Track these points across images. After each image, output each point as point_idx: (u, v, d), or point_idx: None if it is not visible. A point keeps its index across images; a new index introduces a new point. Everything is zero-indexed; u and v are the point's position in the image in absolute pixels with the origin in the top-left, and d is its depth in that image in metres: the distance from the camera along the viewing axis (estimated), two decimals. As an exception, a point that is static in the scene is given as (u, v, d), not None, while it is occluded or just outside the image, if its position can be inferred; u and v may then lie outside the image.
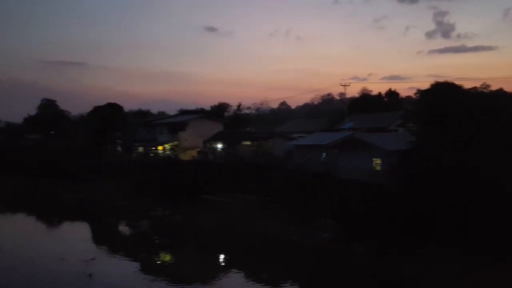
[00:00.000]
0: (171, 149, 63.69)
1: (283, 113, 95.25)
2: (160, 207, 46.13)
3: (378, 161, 35.00)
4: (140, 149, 69.05)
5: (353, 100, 73.81)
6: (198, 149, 60.31)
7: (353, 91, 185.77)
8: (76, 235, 41.02)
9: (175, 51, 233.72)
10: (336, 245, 30.68)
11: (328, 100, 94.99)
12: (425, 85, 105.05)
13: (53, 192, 61.38)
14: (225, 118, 75.15)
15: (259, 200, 40.57)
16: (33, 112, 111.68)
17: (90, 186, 60.47)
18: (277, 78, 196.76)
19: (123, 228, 42.25)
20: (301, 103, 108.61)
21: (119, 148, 74.89)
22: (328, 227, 33.08)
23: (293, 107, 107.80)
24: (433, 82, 35.99)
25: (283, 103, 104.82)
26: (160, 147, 65.46)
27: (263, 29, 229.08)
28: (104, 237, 39.71)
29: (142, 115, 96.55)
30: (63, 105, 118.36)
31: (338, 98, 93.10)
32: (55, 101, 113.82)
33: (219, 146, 59.24)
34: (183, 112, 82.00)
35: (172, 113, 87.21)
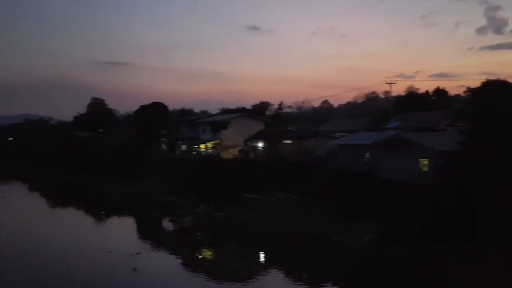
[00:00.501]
0: (213, 147, 64.53)
1: (325, 112, 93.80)
2: (202, 204, 46.87)
3: (425, 161, 33.72)
4: (183, 147, 70.45)
5: (399, 98, 71.44)
6: (240, 148, 60.68)
7: (399, 89, 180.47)
8: (122, 229, 42.55)
9: (217, 51, 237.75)
10: (379, 247, 29.92)
11: (372, 98, 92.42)
12: (475, 83, 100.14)
13: (101, 187, 64.00)
14: (266, 117, 75.16)
15: (301, 199, 40.25)
16: (83, 110, 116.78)
17: (135, 182, 62.53)
18: (320, 76, 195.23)
19: (167, 224, 43.27)
20: (344, 102, 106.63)
21: (164, 146, 76.86)
22: (371, 228, 32.27)
23: (335, 105, 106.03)
24: (484, 80, 34.17)
25: (325, 102, 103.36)
26: (202, 145, 66.48)
27: (306, 27, 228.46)
28: (149, 232, 40.86)
29: (185, 113, 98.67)
30: (111, 103, 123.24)
31: (383, 96, 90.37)
32: (104, 100, 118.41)
33: (260, 145, 59.32)
34: (225, 111, 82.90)
35: (214, 112, 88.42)
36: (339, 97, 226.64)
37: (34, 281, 25.65)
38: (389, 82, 58.29)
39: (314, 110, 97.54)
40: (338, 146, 44.61)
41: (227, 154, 59.20)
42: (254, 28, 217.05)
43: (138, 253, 30.99)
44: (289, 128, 68.33)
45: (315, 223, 35.49)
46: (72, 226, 43.50)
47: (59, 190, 70.61)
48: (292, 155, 49.84)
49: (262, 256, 33.06)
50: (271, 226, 38.38)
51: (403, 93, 76.25)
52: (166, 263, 30.42)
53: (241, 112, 75.33)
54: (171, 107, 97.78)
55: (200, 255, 33.36)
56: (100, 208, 52.67)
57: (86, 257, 30.65)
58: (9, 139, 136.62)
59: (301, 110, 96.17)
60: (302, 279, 26.84)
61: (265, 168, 47.77)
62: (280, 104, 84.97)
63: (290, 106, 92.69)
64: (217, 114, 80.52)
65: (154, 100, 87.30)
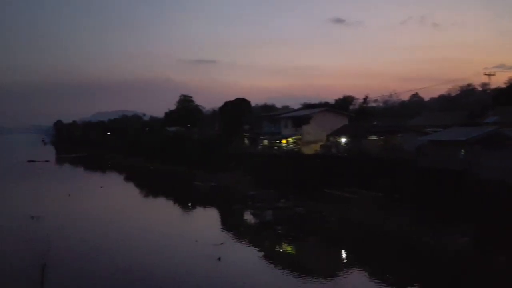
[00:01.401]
0: (294, 142, 64.35)
1: (415, 105, 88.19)
2: (283, 199, 47.01)
3: (530, 160, 30.24)
4: (265, 142, 71.25)
5: (499, 90, 65.13)
6: (321, 143, 59.77)
7: (498, 81, 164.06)
8: (207, 220, 44.26)
9: (301, 45, 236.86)
10: (474, 251, 27.50)
11: (467, 91, 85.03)
12: None
13: (188, 180, 67.33)
14: (350, 112, 73.09)
15: (386, 197, 38.47)
16: (173, 107, 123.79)
17: (220, 175, 64.73)
18: (409, 68, 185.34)
19: (248, 217, 44.10)
20: (435, 95, 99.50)
21: (246, 141, 78.50)
22: (466, 231, 29.76)
23: (426, 99, 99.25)
24: None
25: (415, 95, 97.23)
26: (284, 141, 66.62)
27: (395, 17, 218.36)
28: (231, 224, 41.95)
29: (267, 109, 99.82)
30: (198, 100, 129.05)
31: (480, 89, 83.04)
32: (191, 97, 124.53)
33: (343, 140, 57.85)
34: (306, 106, 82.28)
35: (296, 107, 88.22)
36: (431, 90, 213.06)
37: (130, 264, 27.60)
38: (487, 73, 53.41)
39: (403, 104, 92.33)
40: (429, 142, 41.89)
41: (308, 150, 58.65)
42: (339, 21, 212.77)
43: (222, 243, 31.94)
44: (375, 122, 65.76)
45: (401, 223, 33.70)
46: (162, 215, 46.25)
47: (151, 181, 75.68)
48: (377, 151, 47.86)
49: (343, 253, 32.22)
50: (353, 224, 37.26)
51: (503, 85, 69.41)
52: (248, 255, 30.94)
53: (324, 106, 74.17)
54: (253, 102, 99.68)
55: (281, 249, 33.45)
56: (187, 199, 55.34)
57: (175, 245, 32.37)
58: (107, 133, 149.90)
59: (387, 104, 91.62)
60: (387, 280, 25.60)
61: (348, 164, 46.49)
62: (365, 98, 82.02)
63: (376, 100, 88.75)
64: (299, 109, 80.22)
65: (237, 96, 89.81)
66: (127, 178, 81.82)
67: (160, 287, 23.59)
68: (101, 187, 65.69)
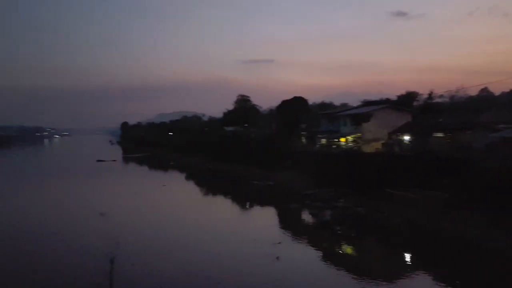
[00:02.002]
0: (353, 141, 62.83)
1: (484, 101, 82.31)
2: (343, 198, 46.02)
3: None
4: (323, 140, 70.24)
5: None
6: (383, 141, 57.82)
7: None
8: (265, 219, 44.39)
9: (360, 41, 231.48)
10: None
11: (545, 84, 78.31)
12: None
13: (246, 179, 68.08)
14: (413, 108, 70.03)
15: (452, 198, 36.31)
16: (230, 107, 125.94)
17: (277, 174, 64.81)
18: (477, 61, 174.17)
19: (306, 216, 43.66)
20: (506, 89, 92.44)
21: (303, 140, 77.88)
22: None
23: (496, 93, 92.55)
24: None
25: (484, 90, 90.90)
26: (342, 139, 65.28)
27: (461, 8, 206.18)
28: (289, 223, 41.74)
29: (325, 107, 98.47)
30: (255, 99, 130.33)
31: (559, 81, 75.98)
32: (248, 97, 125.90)
33: (406, 138, 55.53)
34: (366, 103, 79.99)
35: (355, 104, 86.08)
36: (502, 84, 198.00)
37: (192, 261, 28.39)
38: None
39: (471, 99, 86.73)
40: (500, 139, 39.04)
41: (368, 148, 57.02)
42: (401, 14, 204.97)
43: (279, 242, 31.89)
44: (441, 119, 62.46)
45: (470, 226, 31.69)
46: (221, 214, 47.10)
47: (210, 179, 77.52)
48: (444, 149, 45.39)
49: (406, 256, 30.86)
50: (417, 225, 35.64)
51: None
52: (307, 254, 30.62)
53: (385, 103, 71.67)
54: (311, 100, 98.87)
55: (340, 250, 32.74)
56: (245, 198, 55.94)
57: (234, 243, 32.81)
58: (169, 134, 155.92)
59: (454, 99, 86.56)
60: (454, 286, 24.14)
61: (411, 162, 44.49)
62: (430, 94, 78.01)
63: (441, 96, 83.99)
64: (358, 107, 78.19)
65: (295, 95, 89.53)
66: (188, 177, 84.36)
67: (223, 286, 23.94)
68: (164, 185, 68.26)
